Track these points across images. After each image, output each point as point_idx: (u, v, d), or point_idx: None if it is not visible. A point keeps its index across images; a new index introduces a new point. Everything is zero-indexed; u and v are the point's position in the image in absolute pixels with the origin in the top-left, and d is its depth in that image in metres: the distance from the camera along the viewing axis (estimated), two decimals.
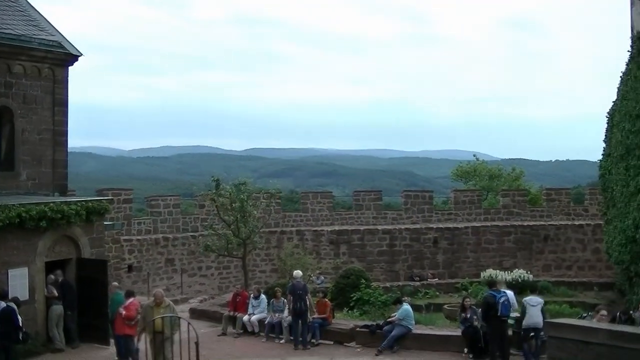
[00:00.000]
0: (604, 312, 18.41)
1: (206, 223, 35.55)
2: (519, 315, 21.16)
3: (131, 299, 19.59)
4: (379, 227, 40.64)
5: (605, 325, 13.15)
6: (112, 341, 20.50)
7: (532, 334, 19.88)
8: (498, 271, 36.16)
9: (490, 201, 50.84)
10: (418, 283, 37.15)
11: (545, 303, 23.02)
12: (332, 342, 23.21)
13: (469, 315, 21.39)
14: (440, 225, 40.98)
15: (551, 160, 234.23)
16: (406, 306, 22.82)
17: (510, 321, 20.40)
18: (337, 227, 41.00)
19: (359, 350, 22.24)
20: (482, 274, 35.86)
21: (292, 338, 23.19)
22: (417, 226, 40.84)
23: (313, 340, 23.12)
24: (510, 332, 21.11)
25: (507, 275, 35.12)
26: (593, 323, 14.19)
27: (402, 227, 40.68)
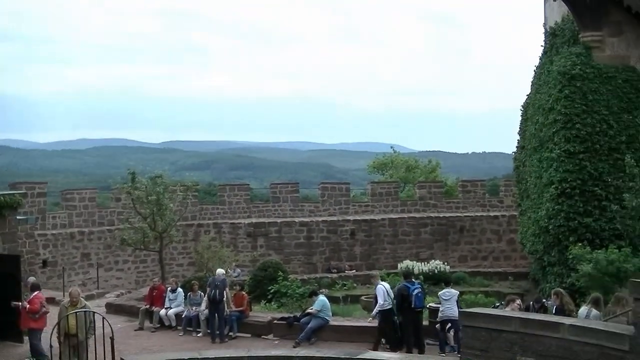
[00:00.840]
0: (518, 301, 18.84)
1: (122, 216, 35.09)
2: (438, 305, 21.55)
3: (35, 292, 19.20)
4: (296, 220, 40.62)
5: (517, 314, 13.36)
6: (26, 339, 20.07)
7: (448, 325, 20.23)
8: (415, 262, 36.49)
9: (407, 193, 51.24)
10: (335, 275, 37.26)
11: (461, 293, 23.39)
12: (249, 335, 23.21)
13: None
14: (358, 217, 41.14)
15: (468, 153, 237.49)
16: (322, 298, 22.95)
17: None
18: (254, 220, 40.85)
19: (276, 342, 22.24)
20: (399, 266, 36.14)
21: (209, 331, 23.11)
22: (335, 218, 40.94)
23: (230, 334, 23.08)
24: (426, 323, 21.49)
25: (423, 267, 35.49)
26: (506, 312, 14.41)
27: (320, 219, 40.72)
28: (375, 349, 20.22)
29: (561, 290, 20.55)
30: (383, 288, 21.17)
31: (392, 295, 20.99)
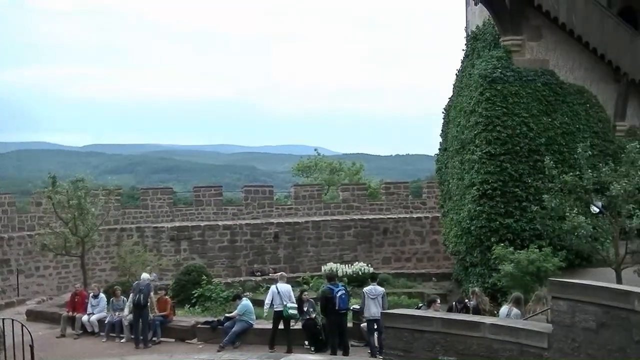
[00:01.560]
0: (439, 302, 19.02)
1: (43, 221, 34.48)
2: (358, 307, 21.64)
3: None
4: (220, 223, 40.40)
5: (438, 314, 13.46)
6: None
7: (374, 325, 20.32)
8: (339, 265, 36.55)
9: (331, 195, 51.38)
10: (259, 278, 37.15)
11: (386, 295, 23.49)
12: (173, 340, 23.02)
13: (306, 309, 21.68)
14: (281, 220, 41.10)
15: (392, 155, 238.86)
16: (246, 302, 22.88)
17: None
18: (177, 224, 40.54)
19: (200, 346, 22.12)
20: (323, 268, 36.16)
21: (132, 337, 22.86)
22: (258, 221, 40.83)
23: (154, 339, 22.85)
24: (350, 324, 21.57)
25: (347, 269, 35.57)
26: (427, 312, 14.51)
27: (243, 222, 40.57)
28: (271, 347, 20.88)
29: (477, 289, 20.90)
30: (274, 289, 21.67)
31: (293, 298, 21.62)
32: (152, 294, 23.25)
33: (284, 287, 21.89)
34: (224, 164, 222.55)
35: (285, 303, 21.31)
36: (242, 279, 37.41)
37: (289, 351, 20.11)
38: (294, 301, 21.69)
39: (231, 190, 60.50)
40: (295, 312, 21.39)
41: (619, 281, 24.45)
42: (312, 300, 22.55)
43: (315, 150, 69.13)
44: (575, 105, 28.52)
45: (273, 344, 21.26)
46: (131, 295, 23.00)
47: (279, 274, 25.04)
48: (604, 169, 24.54)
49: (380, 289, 21.19)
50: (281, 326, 21.50)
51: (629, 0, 30.28)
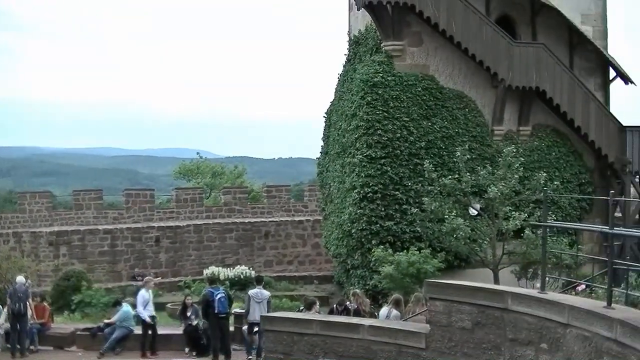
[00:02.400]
0: (318, 304, 19.10)
1: None
2: (242, 310, 21.55)
3: None
4: (100, 227, 39.53)
5: (318, 317, 13.47)
6: None
7: (255, 329, 20.22)
8: (220, 268, 36.33)
9: (213, 199, 51.12)
10: (141, 283, 36.56)
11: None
12: (52, 348, 22.55)
13: (189, 314, 21.55)
14: (162, 224, 40.56)
15: (274, 158, 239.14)
16: (126, 308, 22.56)
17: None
18: (56, 228, 39.49)
19: (80, 354, 21.78)
20: (204, 272, 35.87)
21: (9, 346, 22.10)
22: (139, 225, 40.17)
23: (32, 347, 22.20)
24: (232, 328, 21.47)
25: (229, 272, 35.38)
26: (306, 315, 14.52)
27: (124, 226, 39.81)
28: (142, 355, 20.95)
29: (357, 291, 21.08)
30: (143, 295, 21.73)
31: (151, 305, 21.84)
32: (30, 299, 22.61)
33: (147, 295, 21.80)
34: (105, 167, 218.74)
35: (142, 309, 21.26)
36: (123, 284, 36.68)
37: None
38: (151, 308, 21.62)
39: (112, 193, 59.35)
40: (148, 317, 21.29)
41: (497, 281, 25.06)
42: (195, 305, 22.38)
43: (198, 153, 68.73)
44: (455, 109, 29.02)
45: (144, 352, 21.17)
46: (8, 302, 22.23)
47: (148, 278, 24.80)
48: (481, 172, 25.17)
49: (267, 293, 21.09)
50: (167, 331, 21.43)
51: (506, 9, 30.98)
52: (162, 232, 39.87)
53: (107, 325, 22.20)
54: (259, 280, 21.97)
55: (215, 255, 40.13)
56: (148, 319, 21.34)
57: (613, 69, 31.95)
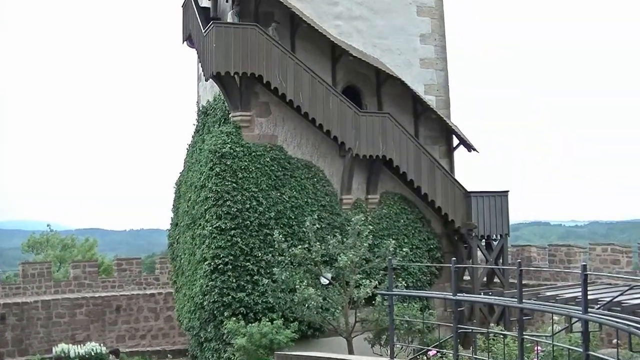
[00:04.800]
0: None
1: None
2: None
3: None
4: None
5: None
6: None
7: None
8: (71, 345, 35.19)
9: (63, 273, 49.72)
10: None
11: None
12: None
13: None
14: (8, 301, 39.02)
15: (125, 230, 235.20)
16: None
17: None
18: None
19: None
20: (54, 350, 34.70)
21: None
22: None
23: None
24: None
25: (80, 349, 34.32)
26: None
27: None
28: None
29: None
30: None
31: None
32: None
33: None
34: None
35: None
36: None
37: None
38: None
39: None
40: None
41: (351, 350, 25.21)
42: None
43: (48, 225, 66.85)
44: (303, 179, 29.26)
45: None
46: None
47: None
48: (331, 241, 25.40)
49: None
50: None
51: (352, 79, 31.70)
52: (8, 309, 38.28)
53: None
54: (116, 353, 21.45)
55: (64, 331, 38.79)
56: None
57: (456, 136, 33.03)
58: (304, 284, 24.88)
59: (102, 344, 35.89)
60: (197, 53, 31.87)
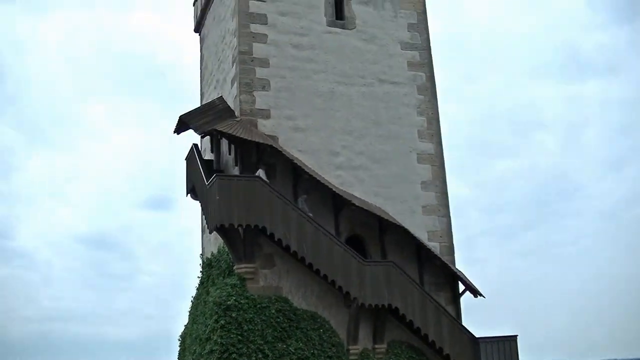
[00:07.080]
0: None
1: None
2: None
3: None
4: None
5: None
6: None
7: None
8: None
9: None
10: None
11: None
12: None
13: None
14: None
15: None
16: None
17: None
18: None
19: None
20: None
21: None
22: None
23: None
24: None
25: None
26: None
27: None
28: None
29: None
30: None
31: None
32: None
33: None
34: None
35: None
36: None
37: None
38: None
39: None
40: None
41: None
42: None
43: None
44: (309, 330, 28.96)
45: None
46: None
47: None
48: None
49: None
50: None
51: (356, 228, 31.82)
52: None
53: None
54: None
55: None
56: None
57: (462, 282, 32.84)
58: None
59: None
60: (201, 205, 32.09)
